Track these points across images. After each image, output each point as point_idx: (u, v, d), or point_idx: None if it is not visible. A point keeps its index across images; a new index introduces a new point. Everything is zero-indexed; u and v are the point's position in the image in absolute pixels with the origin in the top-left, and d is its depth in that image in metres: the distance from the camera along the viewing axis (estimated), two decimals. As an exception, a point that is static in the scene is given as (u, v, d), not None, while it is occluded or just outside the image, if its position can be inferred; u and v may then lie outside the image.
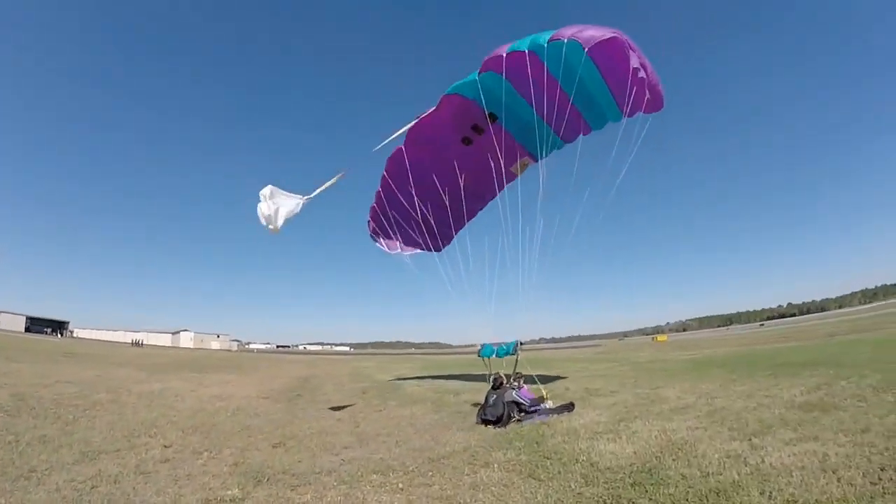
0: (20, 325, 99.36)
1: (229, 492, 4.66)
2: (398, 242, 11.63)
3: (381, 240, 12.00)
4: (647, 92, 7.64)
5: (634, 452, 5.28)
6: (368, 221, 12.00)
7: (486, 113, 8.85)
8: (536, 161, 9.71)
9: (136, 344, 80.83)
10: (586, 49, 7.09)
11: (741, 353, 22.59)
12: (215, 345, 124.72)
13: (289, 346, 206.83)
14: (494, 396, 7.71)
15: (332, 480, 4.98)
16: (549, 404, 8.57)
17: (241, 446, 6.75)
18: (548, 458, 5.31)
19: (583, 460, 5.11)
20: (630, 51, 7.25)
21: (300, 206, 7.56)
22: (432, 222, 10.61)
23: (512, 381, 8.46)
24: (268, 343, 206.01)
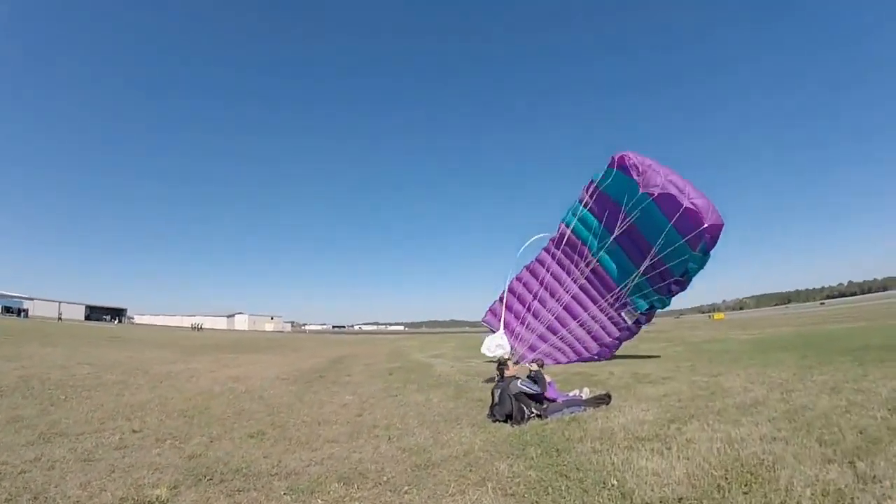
0: (80, 314, 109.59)
1: (156, 491, 3.86)
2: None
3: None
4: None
5: (688, 476, 3.69)
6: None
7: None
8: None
9: (196, 328, 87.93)
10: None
11: (808, 333, 20.97)
12: (269, 327, 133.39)
13: (344, 327, 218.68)
14: (499, 391, 6.40)
15: (283, 486, 4.00)
16: (584, 393, 7.39)
17: (215, 434, 6.08)
18: (565, 477, 3.90)
19: (613, 485, 3.63)
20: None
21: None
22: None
23: (512, 366, 7.38)
24: (324, 324, 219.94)
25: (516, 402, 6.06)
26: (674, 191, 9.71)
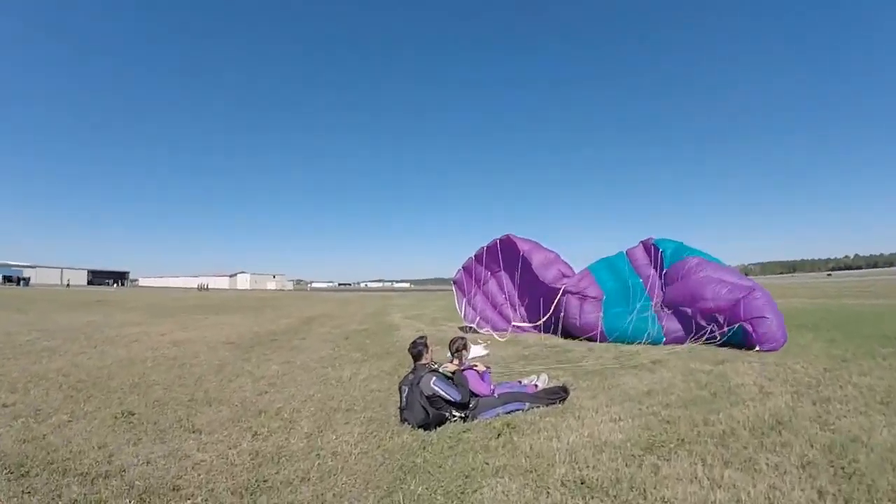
0: (83, 279, 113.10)
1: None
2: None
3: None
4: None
5: None
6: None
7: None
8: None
9: (202, 288, 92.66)
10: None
11: (827, 308, 19.05)
12: (271, 285, 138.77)
13: (350, 284, 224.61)
14: (407, 389, 5.00)
15: (77, 494, 3.54)
16: (541, 381, 6.40)
17: (83, 412, 5.74)
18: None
19: None
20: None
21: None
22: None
23: (431, 356, 5.63)
24: (330, 282, 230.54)
25: (431, 407, 4.75)
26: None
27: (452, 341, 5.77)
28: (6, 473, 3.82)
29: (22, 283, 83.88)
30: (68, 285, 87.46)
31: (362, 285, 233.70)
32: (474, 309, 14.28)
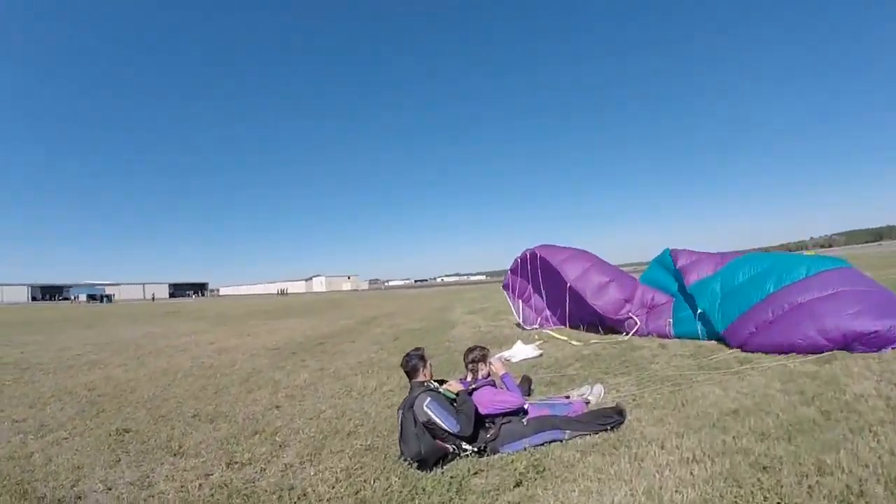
0: (165, 292, 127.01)
1: None
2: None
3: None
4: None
5: None
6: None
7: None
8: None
9: (282, 293, 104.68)
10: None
11: None
12: (347, 286, 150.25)
13: (426, 280, 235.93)
14: (400, 413, 4.26)
15: None
16: (594, 394, 5.43)
17: (78, 429, 5.87)
18: None
19: None
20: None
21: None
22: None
23: (428, 374, 4.66)
24: (406, 279, 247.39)
25: (427, 437, 3.94)
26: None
27: (469, 350, 5.11)
28: None
29: (105, 300, 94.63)
30: (153, 299, 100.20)
31: (438, 280, 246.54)
32: (534, 310, 13.12)
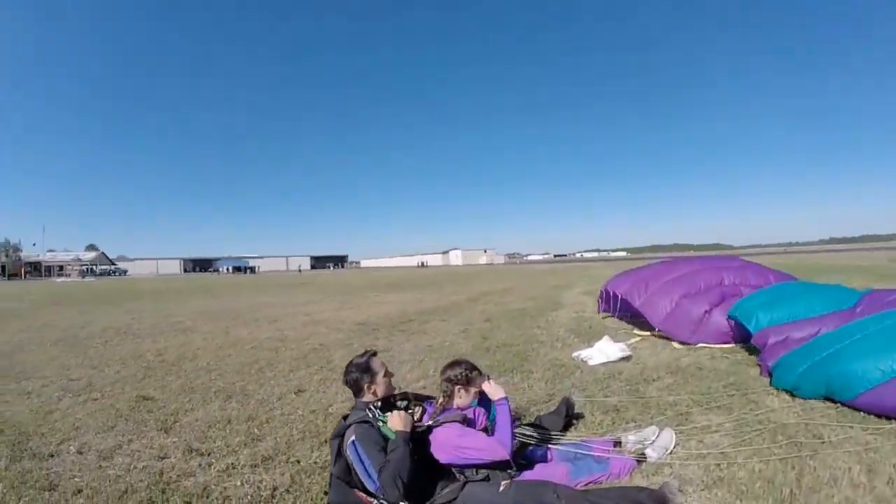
0: (307, 264, 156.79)
1: None
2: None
3: None
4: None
5: None
6: None
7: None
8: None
9: (422, 265, 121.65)
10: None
11: None
12: (483, 260, 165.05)
13: (566, 255, 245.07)
14: (335, 449, 3.33)
15: None
16: (634, 449, 3.97)
17: (108, 393, 6.59)
18: None
19: None
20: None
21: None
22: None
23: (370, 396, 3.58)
24: (546, 253, 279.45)
25: (342, 486, 3.21)
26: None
27: (450, 365, 3.77)
28: None
29: (248, 271, 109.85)
30: (300, 270, 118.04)
31: (577, 256, 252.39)
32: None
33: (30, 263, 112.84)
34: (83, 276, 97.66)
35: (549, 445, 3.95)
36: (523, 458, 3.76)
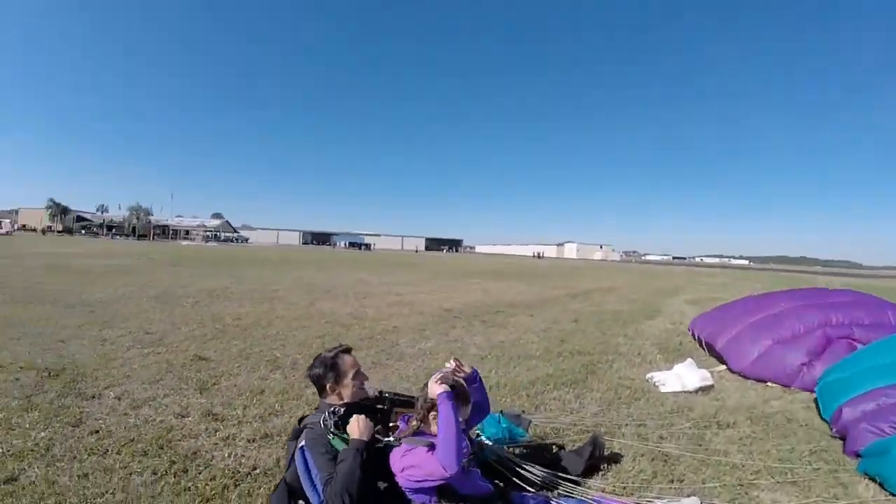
0: (422, 245, 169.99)
1: None
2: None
3: None
4: None
5: None
6: None
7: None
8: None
9: (538, 256, 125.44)
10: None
11: None
12: (597, 255, 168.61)
13: (684, 258, 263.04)
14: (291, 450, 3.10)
15: None
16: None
17: (175, 348, 7.21)
18: None
19: None
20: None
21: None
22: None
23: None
24: (665, 254, 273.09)
25: (283, 496, 2.99)
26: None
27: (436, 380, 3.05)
28: (42, 376, 5.61)
29: (363, 248, 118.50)
30: (416, 251, 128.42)
31: (696, 259, 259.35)
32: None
33: (158, 226, 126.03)
34: (206, 241, 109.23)
35: (549, 496, 3.26)
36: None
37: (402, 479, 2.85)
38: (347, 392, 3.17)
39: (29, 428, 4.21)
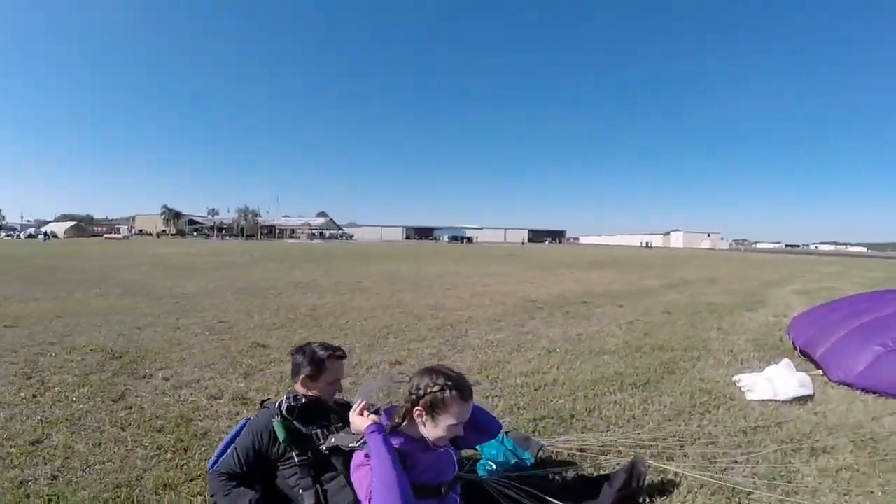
0: (525, 237, 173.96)
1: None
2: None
3: None
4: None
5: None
6: None
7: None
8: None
9: (647, 246, 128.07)
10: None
11: None
12: (705, 244, 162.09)
13: (798, 246, 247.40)
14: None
15: None
16: None
17: (239, 334, 7.51)
18: None
19: None
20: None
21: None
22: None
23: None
24: (777, 242, 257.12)
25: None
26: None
27: (420, 373, 2.43)
28: (106, 357, 6.13)
29: (465, 241, 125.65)
30: (523, 243, 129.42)
31: (811, 247, 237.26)
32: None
33: (265, 226, 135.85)
34: (311, 239, 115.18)
35: None
36: None
37: (357, 489, 2.33)
38: (316, 390, 3.04)
39: (74, 401, 4.54)
